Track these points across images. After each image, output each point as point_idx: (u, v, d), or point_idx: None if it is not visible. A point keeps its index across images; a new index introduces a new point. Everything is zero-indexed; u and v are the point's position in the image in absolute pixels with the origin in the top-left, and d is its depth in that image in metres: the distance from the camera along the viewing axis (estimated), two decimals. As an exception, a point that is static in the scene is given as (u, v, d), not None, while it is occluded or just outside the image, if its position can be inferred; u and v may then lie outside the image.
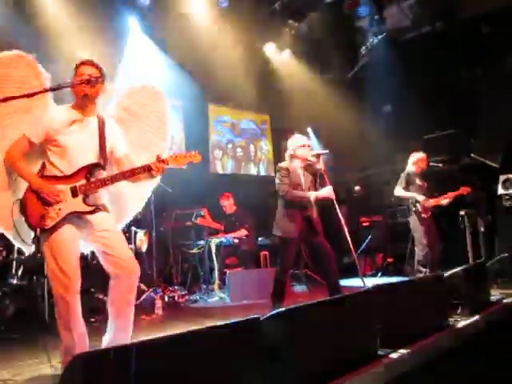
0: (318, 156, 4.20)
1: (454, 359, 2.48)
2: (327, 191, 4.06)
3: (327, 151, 4.27)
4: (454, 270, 3.37)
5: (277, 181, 4.23)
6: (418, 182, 5.45)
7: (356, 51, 8.52)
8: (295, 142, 4.31)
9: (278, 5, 7.50)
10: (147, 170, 2.61)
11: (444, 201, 5.45)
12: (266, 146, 9.37)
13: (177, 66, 7.45)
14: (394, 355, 2.28)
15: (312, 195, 4.10)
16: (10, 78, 2.70)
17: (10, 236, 2.74)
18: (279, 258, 4.27)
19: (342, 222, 4.05)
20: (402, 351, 2.32)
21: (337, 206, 4.05)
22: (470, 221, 5.93)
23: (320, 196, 4.09)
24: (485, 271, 3.91)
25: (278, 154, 9.26)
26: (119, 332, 2.60)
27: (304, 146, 4.27)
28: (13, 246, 4.22)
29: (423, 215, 5.28)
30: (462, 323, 2.98)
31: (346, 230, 4.05)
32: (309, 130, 8.79)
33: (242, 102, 8.69)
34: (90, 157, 2.66)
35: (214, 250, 6.39)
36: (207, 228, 6.52)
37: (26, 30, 5.42)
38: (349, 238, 4.05)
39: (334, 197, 4.06)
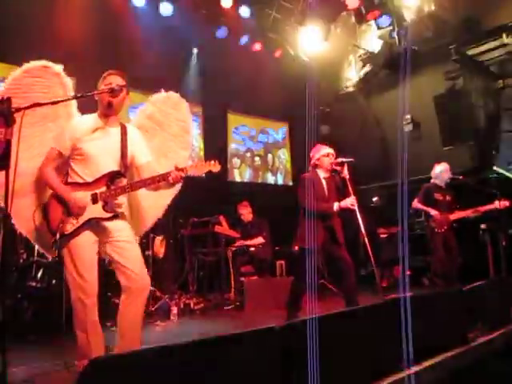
0: (342, 164, 4.16)
1: (473, 374, 2.43)
2: (350, 201, 4.02)
3: (352, 159, 4.20)
4: (475, 285, 3.31)
5: (300, 192, 4.22)
6: (436, 195, 5.39)
7: (377, 61, 8.49)
8: (318, 152, 4.29)
9: (299, 14, 7.55)
10: (167, 178, 2.63)
11: (472, 214, 5.34)
12: (284, 155, 9.38)
13: (198, 73, 7.56)
14: (411, 368, 2.24)
15: (335, 206, 4.07)
16: (36, 87, 2.78)
17: (32, 239, 2.81)
18: (297, 268, 4.24)
19: (363, 232, 4.00)
20: (420, 365, 2.28)
21: (359, 216, 4.00)
22: (491, 235, 5.82)
23: (343, 206, 4.06)
24: (506, 286, 3.83)
25: (297, 163, 9.26)
26: (128, 343, 2.62)
27: (327, 156, 4.25)
28: (33, 248, 4.31)
29: (436, 229, 5.22)
30: (481, 339, 2.92)
31: (367, 241, 3.99)
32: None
33: (260, 111, 8.73)
34: (111, 164, 2.71)
35: (230, 258, 6.40)
36: (224, 236, 6.53)
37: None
38: (369, 250, 3.99)
39: (356, 207, 4.02)
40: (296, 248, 4.36)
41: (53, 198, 2.65)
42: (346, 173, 4.14)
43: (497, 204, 5.26)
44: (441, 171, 5.45)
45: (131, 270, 2.63)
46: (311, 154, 4.35)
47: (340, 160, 4.20)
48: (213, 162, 2.74)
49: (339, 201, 4.10)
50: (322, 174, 4.27)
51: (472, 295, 3.20)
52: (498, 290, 3.57)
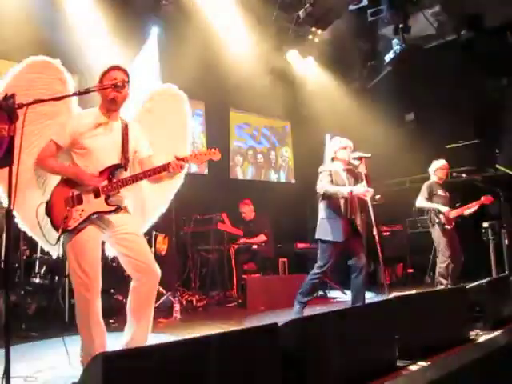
0: (360, 159, 4.09)
1: (475, 373, 2.43)
2: (363, 188, 3.95)
3: (369, 155, 4.11)
4: (477, 283, 3.31)
5: (318, 182, 4.14)
6: (440, 192, 5.36)
7: (380, 59, 8.47)
8: (336, 145, 4.23)
9: (302, 12, 7.52)
10: (167, 168, 2.62)
11: (467, 211, 5.34)
12: (286, 152, 9.37)
13: (199, 72, 7.53)
14: (412, 367, 2.24)
15: (347, 189, 4.01)
16: (37, 83, 2.76)
17: (36, 237, 2.81)
18: (319, 259, 4.13)
19: (374, 227, 3.96)
20: (422, 363, 2.28)
21: (371, 210, 3.96)
22: (494, 233, 5.80)
23: (356, 192, 3.99)
24: (508, 285, 3.83)
25: (299, 160, 9.25)
26: (138, 334, 2.63)
27: (345, 148, 4.19)
28: (36, 245, 4.32)
29: (446, 226, 5.18)
30: (483, 337, 2.92)
31: (376, 238, 3.96)
32: (327, 137, 8.75)
33: (263, 109, 8.71)
34: (113, 158, 2.71)
35: (232, 255, 6.41)
36: (226, 233, 6.54)
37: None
38: (379, 246, 3.97)
39: (370, 195, 3.95)
40: (319, 239, 4.21)
41: (57, 191, 2.64)
42: (363, 168, 4.06)
43: (485, 200, 5.30)
44: (437, 167, 5.45)
45: (139, 260, 2.63)
46: (328, 147, 4.28)
47: (358, 155, 4.12)
48: (213, 149, 2.71)
49: (359, 198, 4.03)
50: (341, 167, 4.20)
51: (474, 294, 3.20)
52: (500, 288, 3.56)
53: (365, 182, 4.01)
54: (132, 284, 2.67)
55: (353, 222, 4.08)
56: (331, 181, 4.11)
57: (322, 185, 4.09)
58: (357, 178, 4.16)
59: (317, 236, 4.19)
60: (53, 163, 2.69)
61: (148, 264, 2.65)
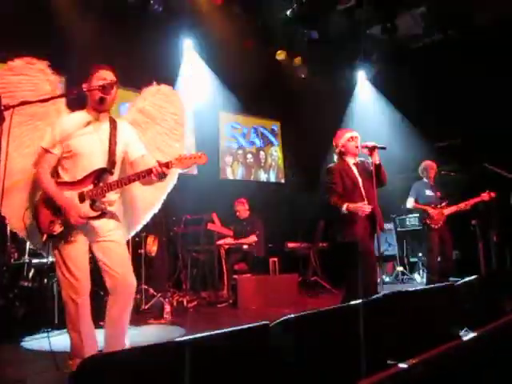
0: (373, 149, 3.80)
1: (463, 371, 2.45)
2: (362, 205, 3.66)
3: (385, 146, 3.84)
4: (466, 280, 3.34)
5: (325, 185, 3.88)
6: (428, 192, 5.44)
7: (367, 58, 8.51)
8: (342, 138, 3.94)
9: (291, 12, 7.53)
10: (150, 173, 2.54)
11: (464, 207, 5.38)
12: (276, 152, 9.38)
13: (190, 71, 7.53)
14: (402, 365, 2.25)
15: (344, 207, 3.69)
16: (23, 85, 2.73)
17: (26, 238, 2.80)
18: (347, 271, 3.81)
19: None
20: (411, 361, 2.29)
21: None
22: (482, 231, 5.87)
23: (351, 209, 3.67)
24: (497, 282, 3.87)
25: (289, 160, 9.27)
26: (112, 343, 2.62)
27: (352, 140, 3.91)
28: (25, 248, 4.28)
29: (433, 226, 5.25)
30: (472, 334, 2.94)
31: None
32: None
33: (252, 108, 8.71)
34: (100, 162, 2.65)
35: (223, 256, 6.41)
36: (217, 233, 6.53)
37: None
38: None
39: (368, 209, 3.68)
40: (341, 240, 3.86)
41: (43, 201, 2.62)
42: (377, 158, 3.80)
43: (484, 196, 5.35)
44: (424, 167, 5.54)
45: (115, 270, 2.61)
46: (334, 142, 4.00)
47: (371, 144, 3.82)
48: (199, 153, 2.61)
49: (371, 187, 3.76)
50: (351, 161, 3.93)
51: (463, 291, 3.23)
52: (488, 285, 3.60)
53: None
54: (108, 296, 2.66)
55: (373, 216, 3.79)
56: (340, 182, 3.83)
57: (330, 196, 3.80)
58: (369, 171, 3.86)
59: (338, 239, 3.89)
60: (48, 184, 2.62)
61: (122, 275, 2.62)
